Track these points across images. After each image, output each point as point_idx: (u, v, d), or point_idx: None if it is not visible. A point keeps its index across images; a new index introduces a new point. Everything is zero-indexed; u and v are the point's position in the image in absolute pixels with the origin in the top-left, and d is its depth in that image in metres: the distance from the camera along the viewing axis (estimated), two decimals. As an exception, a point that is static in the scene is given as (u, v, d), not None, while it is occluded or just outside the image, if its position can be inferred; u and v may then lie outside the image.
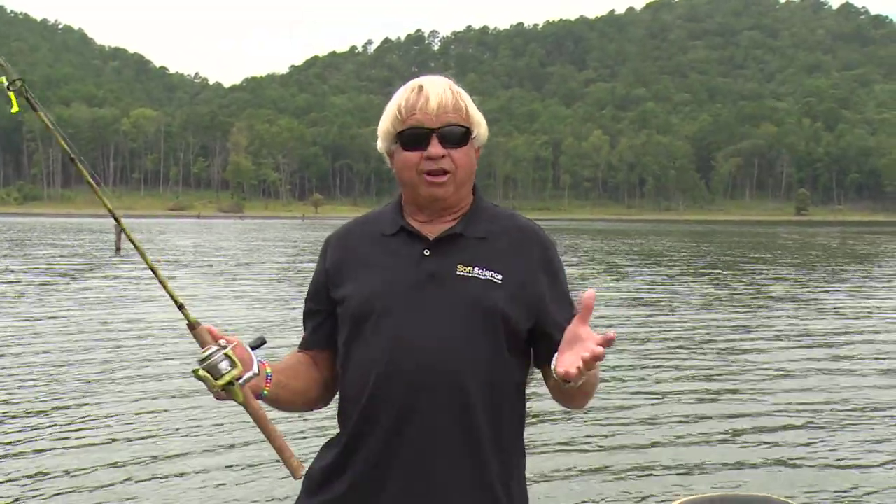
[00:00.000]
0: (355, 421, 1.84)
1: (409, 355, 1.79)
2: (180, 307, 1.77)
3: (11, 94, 1.75)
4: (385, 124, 1.88)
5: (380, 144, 1.90)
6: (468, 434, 1.80)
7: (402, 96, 1.87)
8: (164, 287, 1.80)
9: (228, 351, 1.70)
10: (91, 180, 1.86)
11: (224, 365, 1.70)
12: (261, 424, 1.77)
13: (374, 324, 1.83)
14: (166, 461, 6.47)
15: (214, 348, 1.71)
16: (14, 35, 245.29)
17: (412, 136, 1.84)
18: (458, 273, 1.83)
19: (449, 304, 1.81)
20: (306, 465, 1.82)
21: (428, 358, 1.77)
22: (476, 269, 1.83)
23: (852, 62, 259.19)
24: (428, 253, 1.85)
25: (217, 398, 1.73)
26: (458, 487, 1.80)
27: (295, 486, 1.73)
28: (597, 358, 1.58)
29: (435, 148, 1.82)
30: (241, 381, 1.71)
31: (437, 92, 1.84)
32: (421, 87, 1.86)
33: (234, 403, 1.66)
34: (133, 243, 1.79)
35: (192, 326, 1.76)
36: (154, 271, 1.81)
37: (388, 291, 1.84)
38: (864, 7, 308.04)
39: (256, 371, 1.75)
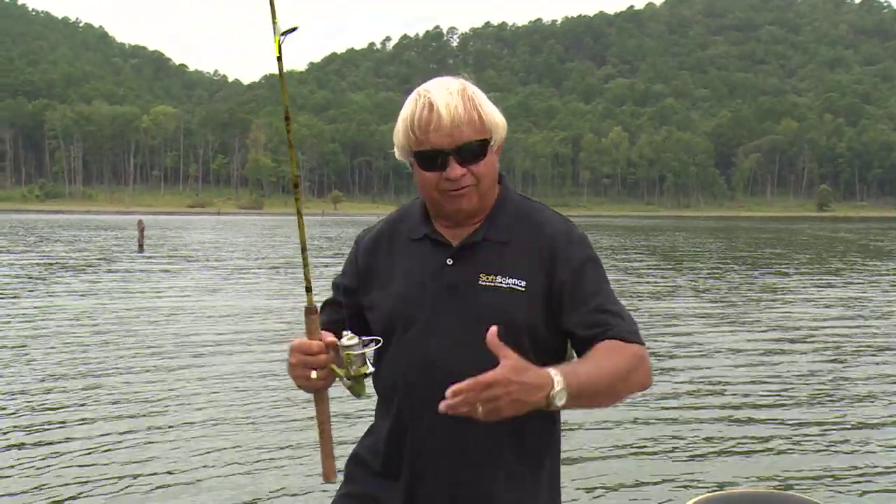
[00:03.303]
0: (387, 432, 1.87)
1: (429, 371, 1.79)
2: (308, 290, 1.82)
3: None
4: (400, 139, 1.83)
5: (398, 154, 1.86)
6: (495, 447, 1.79)
7: (413, 110, 1.80)
8: (305, 266, 1.86)
9: (369, 349, 1.77)
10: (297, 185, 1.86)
11: (361, 357, 1.76)
12: (323, 424, 1.82)
13: (398, 337, 1.84)
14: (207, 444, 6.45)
15: (357, 339, 1.76)
16: (35, 33, 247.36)
17: (429, 158, 1.79)
18: (480, 283, 1.81)
19: (471, 317, 1.78)
20: (340, 476, 1.85)
21: (447, 374, 1.74)
22: (499, 278, 1.81)
23: (874, 57, 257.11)
24: (451, 262, 1.84)
25: (304, 386, 1.78)
26: (488, 499, 1.82)
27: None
28: (460, 405, 1.52)
29: (454, 170, 1.79)
30: (368, 375, 1.77)
31: (449, 107, 1.77)
32: (431, 104, 1.78)
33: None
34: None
35: (311, 311, 1.80)
36: (303, 248, 1.85)
37: (412, 304, 1.84)
38: (886, 1, 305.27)
39: (374, 369, 1.79)
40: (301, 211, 1.85)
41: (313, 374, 1.73)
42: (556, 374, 1.57)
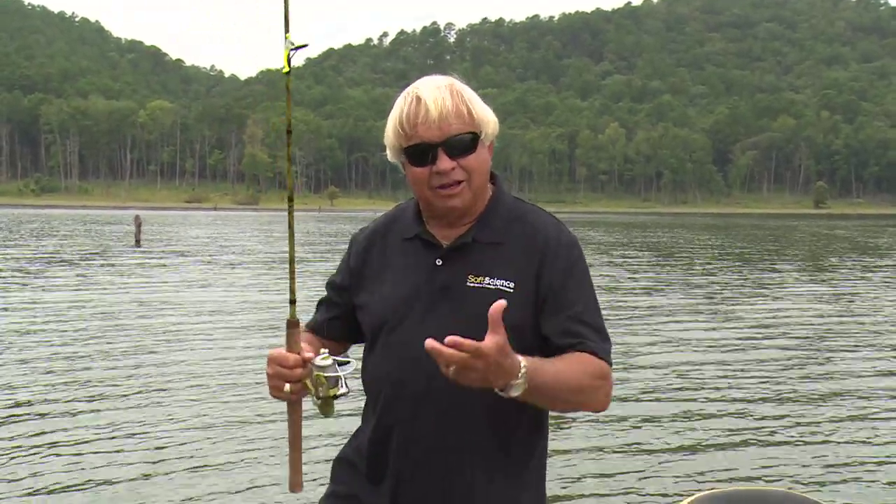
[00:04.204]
0: (372, 431, 1.88)
1: (417, 374, 1.77)
2: (292, 302, 1.82)
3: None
4: (390, 138, 1.83)
5: (389, 155, 1.86)
6: (482, 444, 1.78)
7: (401, 107, 1.81)
8: (291, 278, 1.85)
9: (343, 374, 1.77)
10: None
11: (334, 379, 1.76)
12: (294, 436, 1.84)
13: (385, 338, 1.85)
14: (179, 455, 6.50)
15: (331, 360, 1.76)
16: (31, 28, 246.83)
17: (418, 153, 1.79)
18: (468, 284, 1.80)
19: (458, 317, 1.77)
20: (306, 486, 1.87)
21: (433, 375, 1.71)
22: (487, 279, 1.80)
23: (871, 54, 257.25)
24: (440, 263, 1.83)
25: (278, 397, 1.78)
26: (472, 499, 1.81)
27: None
28: (442, 357, 1.52)
29: (443, 163, 1.77)
30: (338, 397, 1.77)
31: (437, 101, 1.77)
32: (419, 98, 1.78)
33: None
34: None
35: (293, 324, 1.79)
36: (291, 260, 1.84)
37: (400, 304, 1.84)
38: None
39: (347, 390, 1.78)
40: (293, 225, 1.84)
41: (287, 387, 1.74)
42: (522, 368, 1.59)
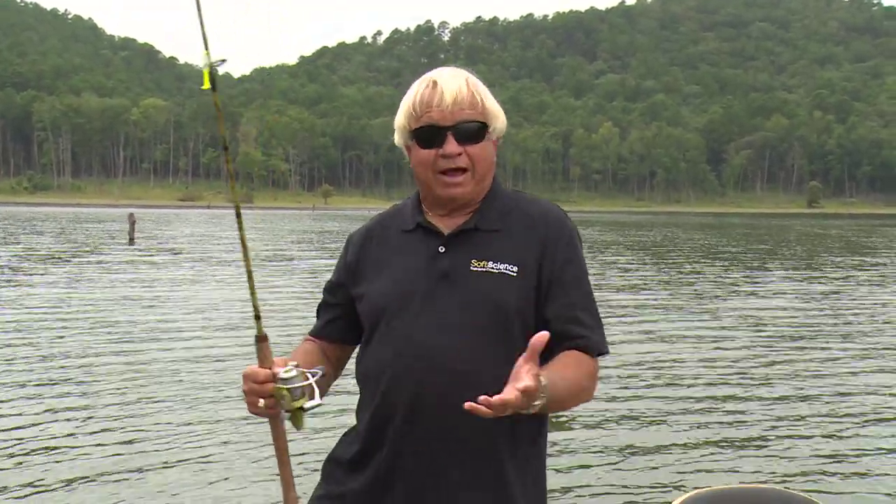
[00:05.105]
0: (369, 419, 1.85)
1: (419, 356, 1.76)
2: (257, 318, 1.80)
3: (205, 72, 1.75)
4: (400, 119, 1.85)
5: (397, 139, 1.88)
6: (479, 434, 1.76)
7: (416, 91, 1.84)
8: (252, 294, 1.83)
9: (311, 381, 1.74)
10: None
11: (299, 390, 1.73)
12: (281, 452, 1.82)
13: (387, 323, 1.84)
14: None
15: (296, 372, 1.73)
16: (24, 25, 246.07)
17: (427, 134, 1.81)
18: (472, 269, 1.81)
19: (461, 302, 1.79)
20: (302, 502, 1.84)
21: (437, 359, 1.75)
22: (490, 264, 1.81)
23: (864, 54, 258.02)
24: (443, 249, 1.84)
25: (256, 413, 1.76)
26: (469, 488, 1.79)
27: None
28: (505, 404, 1.51)
29: (450, 146, 1.80)
30: (307, 409, 1.75)
31: (452, 87, 1.81)
32: (435, 83, 1.82)
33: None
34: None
35: (261, 339, 1.78)
36: (249, 275, 1.83)
37: (402, 291, 1.83)
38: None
39: (320, 401, 1.76)
40: (245, 242, 1.85)
41: (261, 403, 1.74)
42: (544, 390, 1.59)
